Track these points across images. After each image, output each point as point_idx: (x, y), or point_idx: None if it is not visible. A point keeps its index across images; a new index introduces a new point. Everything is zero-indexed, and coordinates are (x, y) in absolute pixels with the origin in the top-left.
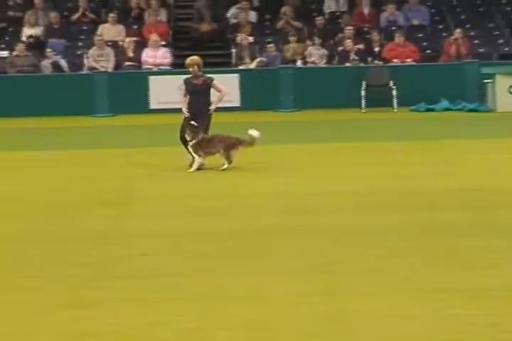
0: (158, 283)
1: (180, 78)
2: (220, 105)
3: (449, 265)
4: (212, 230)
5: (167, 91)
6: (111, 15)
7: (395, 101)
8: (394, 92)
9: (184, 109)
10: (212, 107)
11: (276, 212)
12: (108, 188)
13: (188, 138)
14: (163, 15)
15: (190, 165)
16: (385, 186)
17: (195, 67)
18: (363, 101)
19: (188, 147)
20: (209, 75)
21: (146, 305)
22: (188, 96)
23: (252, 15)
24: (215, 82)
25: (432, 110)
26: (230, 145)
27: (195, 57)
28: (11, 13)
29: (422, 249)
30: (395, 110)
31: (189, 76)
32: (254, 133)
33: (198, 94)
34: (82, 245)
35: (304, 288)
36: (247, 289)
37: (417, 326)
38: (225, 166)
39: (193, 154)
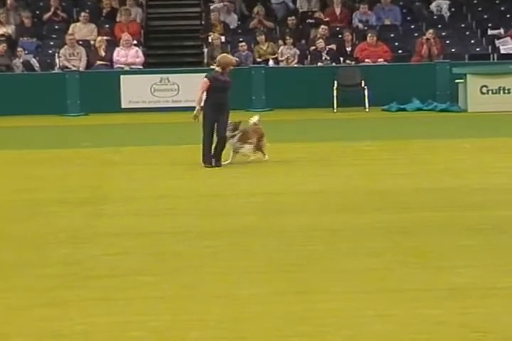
0: (130, 282)
1: (152, 77)
2: (187, 104)
3: (419, 265)
4: (181, 230)
5: (138, 91)
6: (82, 14)
7: (366, 101)
8: (365, 92)
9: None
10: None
11: (245, 212)
12: (80, 188)
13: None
14: (135, 15)
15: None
16: (355, 186)
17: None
18: (335, 101)
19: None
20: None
21: (117, 304)
22: (212, 93)
23: (233, 18)
24: None
25: (404, 110)
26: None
27: None
28: None
29: (393, 249)
30: (367, 110)
31: (214, 73)
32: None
33: (225, 91)
34: (55, 245)
35: (275, 288)
36: (220, 289)
37: (387, 326)
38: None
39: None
